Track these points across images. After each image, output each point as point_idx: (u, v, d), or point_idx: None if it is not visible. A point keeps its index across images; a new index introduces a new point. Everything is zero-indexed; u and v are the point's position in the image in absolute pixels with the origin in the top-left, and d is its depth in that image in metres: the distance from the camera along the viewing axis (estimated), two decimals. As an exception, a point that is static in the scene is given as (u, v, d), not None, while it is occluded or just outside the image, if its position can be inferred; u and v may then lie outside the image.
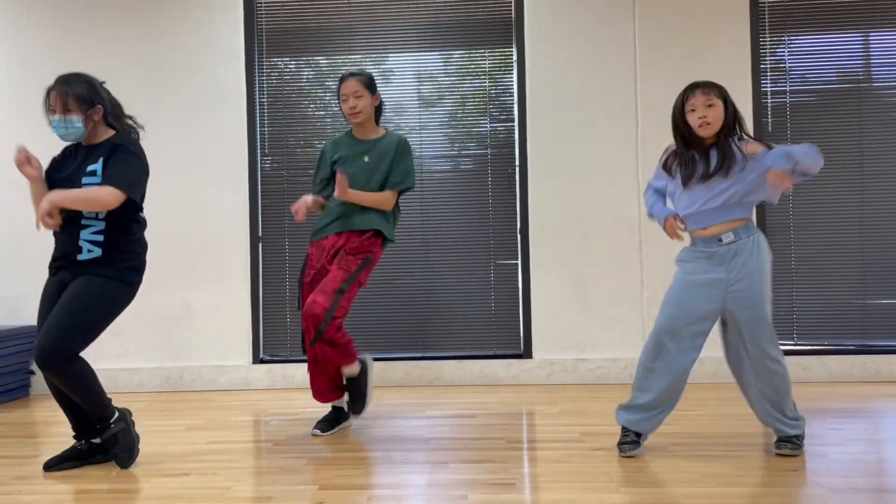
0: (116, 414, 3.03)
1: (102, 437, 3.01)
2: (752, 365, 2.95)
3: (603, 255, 4.65)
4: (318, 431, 3.51)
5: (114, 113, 3.04)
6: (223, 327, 4.73)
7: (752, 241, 2.93)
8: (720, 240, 2.94)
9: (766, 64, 4.68)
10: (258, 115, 4.88)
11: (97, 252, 2.92)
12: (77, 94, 2.92)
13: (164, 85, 4.77)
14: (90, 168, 2.92)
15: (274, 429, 3.71)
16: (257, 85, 4.88)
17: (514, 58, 4.77)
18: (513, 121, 4.80)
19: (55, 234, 2.99)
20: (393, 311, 4.76)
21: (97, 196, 2.85)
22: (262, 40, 4.88)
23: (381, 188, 3.50)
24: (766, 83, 4.68)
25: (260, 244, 4.85)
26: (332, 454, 3.19)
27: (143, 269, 3.07)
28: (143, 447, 3.30)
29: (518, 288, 4.75)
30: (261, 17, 4.88)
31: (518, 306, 4.75)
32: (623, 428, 3.08)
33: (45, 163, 3.03)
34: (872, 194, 4.63)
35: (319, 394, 3.58)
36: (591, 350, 4.65)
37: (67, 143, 3.06)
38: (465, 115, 4.84)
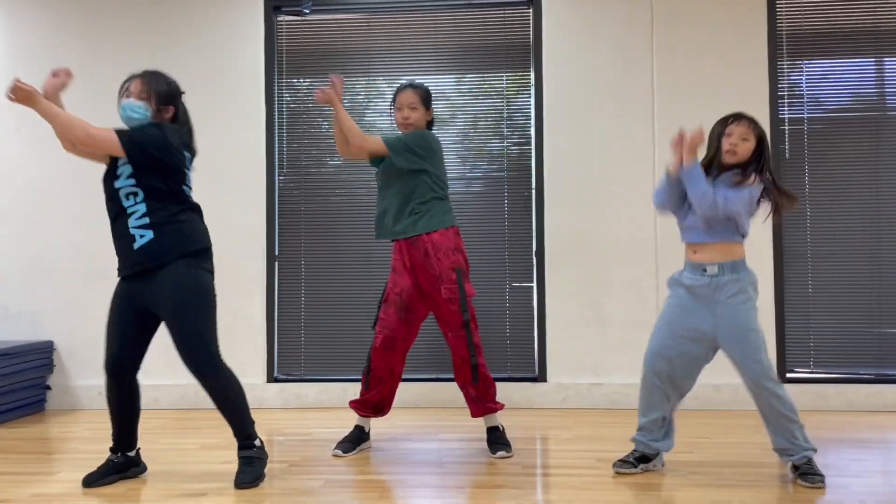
0: (259, 440, 3.09)
1: (242, 453, 3.04)
2: (753, 395, 3.04)
3: (618, 280, 4.64)
4: (339, 452, 3.50)
5: (183, 122, 3.11)
6: (238, 345, 4.73)
7: (736, 279, 3.00)
8: (705, 269, 3.02)
9: (783, 90, 4.69)
10: (277, 134, 4.92)
11: (148, 235, 2.94)
12: (158, 88, 3.02)
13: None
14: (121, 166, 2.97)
15: (288, 449, 3.71)
16: (276, 104, 4.92)
17: (532, 80, 4.80)
18: (529, 143, 4.81)
19: (112, 231, 3.03)
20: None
21: (74, 125, 2.86)
22: (282, 61, 4.93)
23: (399, 177, 3.48)
24: (784, 110, 4.69)
25: (276, 263, 4.87)
26: (347, 476, 3.19)
27: (204, 241, 3.09)
28: (160, 466, 3.32)
29: (533, 311, 4.75)
30: (281, 39, 4.93)
31: (533, 329, 4.75)
32: (634, 446, 3.20)
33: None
34: (889, 222, 4.61)
35: (361, 406, 3.61)
36: (606, 375, 4.63)
37: None
38: (481, 136, 4.86)
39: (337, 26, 4.94)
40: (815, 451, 3.00)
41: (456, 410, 4.51)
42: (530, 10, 4.80)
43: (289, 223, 4.91)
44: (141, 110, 2.98)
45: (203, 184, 4.73)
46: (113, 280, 3.07)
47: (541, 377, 4.69)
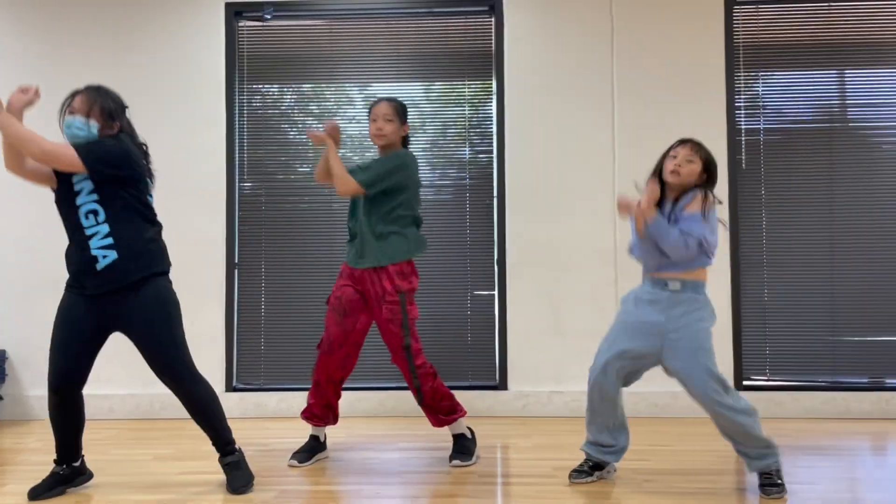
0: (237, 444, 3.12)
1: (226, 460, 3.07)
2: (705, 410, 3.01)
3: (579, 288, 4.67)
4: (294, 462, 3.48)
5: (128, 137, 3.04)
6: (196, 354, 4.56)
7: (696, 299, 3.02)
8: (666, 284, 3.03)
9: (740, 101, 4.76)
10: (237, 139, 4.87)
11: (112, 255, 2.89)
12: (104, 105, 2.96)
13: (143, 108, 4.72)
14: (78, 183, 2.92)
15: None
16: (237, 110, 4.88)
17: (494, 89, 4.81)
18: (492, 151, 4.83)
19: (67, 248, 2.97)
20: (367, 341, 4.72)
21: (32, 141, 2.77)
22: (242, 66, 4.89)
23: (372, 207, 3.45)
24: (741, 120, 4.76)
25: (236, 270, 4.82)
26: (303, 487, 3.16)
27: (167, 264, 3.07)
28: (110, 477, 3.26)
29: (494, 319, 4.76)
30: (242, 44, 4.89)
31: (494, 337, 4.75)
32: (586, 456, 3.21)
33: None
34: (843, 232, 4.69)
35: (309, 415, 3.57)
36: (566, 382, 4.65)
37: None
38: (444, 143, 4.86)
39: (299, 32, 4.92)
40: (777, 456, 3.01)
41: (414, 419, 4.50)
42: (492, 19, 4.82)
43: (249, 230, 4.86)
44: (86, 128, 2.93)
45: (161, 188, 4.68)
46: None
47: (501, 385, 4.69)
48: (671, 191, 3.08)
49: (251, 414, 4.68)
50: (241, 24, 4.89)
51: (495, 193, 4.79)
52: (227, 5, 4.83)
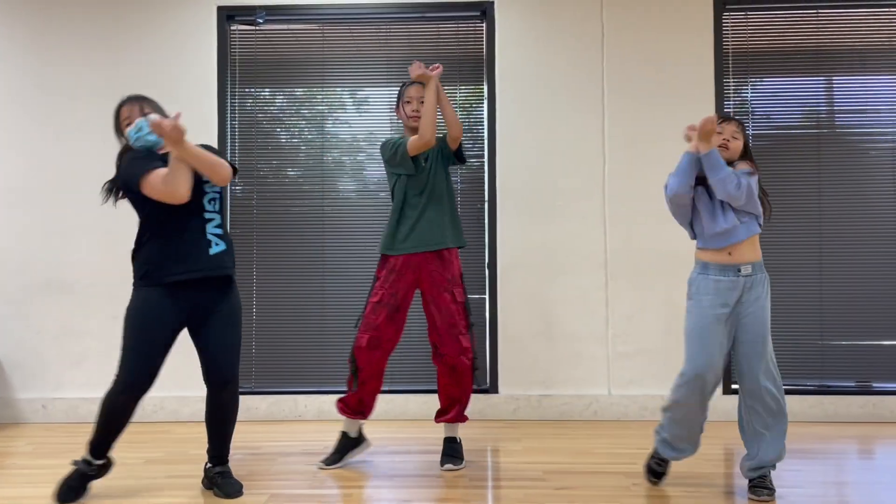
0: None
1: (216, 469, 3.14)
2: (745, 399, 3.04)
3: (569, 293, 4.69)
4: (322, 465, 3.54)
5: None
6: (186, 357, 4.63)
7: (765, 279, 3.10)
8: (739, 270, 3.05)
9: (729, 107, 4.79)
10: (229, 143, 4.88)
11: (223, 245, 3.02)
12: (151, 103, 3.05)
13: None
14: None
15: (235, 463, 3.66)
16: (229, 113, 4.88)
17: (485, 94, 4.83)
18: (483, 155, 4.84)
19: (172, 236, 2.93)
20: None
21: (222, 164, 2.90)
22: (235, 70, 4.90)
23: (448, 185, 3.60)
24: (731, 126, 4.79)
25: (227, 274, 4.82)
26: (294, 491, 3.17)
27: None
28: (102, 481, 3.26)
29: (485, 323, 4.77)
30: (234, 47, 4.90)
31: (485, 341, 4.76)
32: (659, 456, 3.20)
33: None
34: (830, 237, 4.73)
35: (345, 407, 3.62)
36: (556, 386, 4.67)
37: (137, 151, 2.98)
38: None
39: (291, 36, 4.93)
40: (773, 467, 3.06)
41: (405, 423, 4.51)
42: (483, 24, 4.85)
43: (240, 233, 4.86)
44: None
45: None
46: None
47: (492, 389, 4.71)
48: None
49: (241, 417, 4.62)
50: (233, 27, 4.89)
51: (486, 197, 4.81)
52: (220, 9, 4.83)
